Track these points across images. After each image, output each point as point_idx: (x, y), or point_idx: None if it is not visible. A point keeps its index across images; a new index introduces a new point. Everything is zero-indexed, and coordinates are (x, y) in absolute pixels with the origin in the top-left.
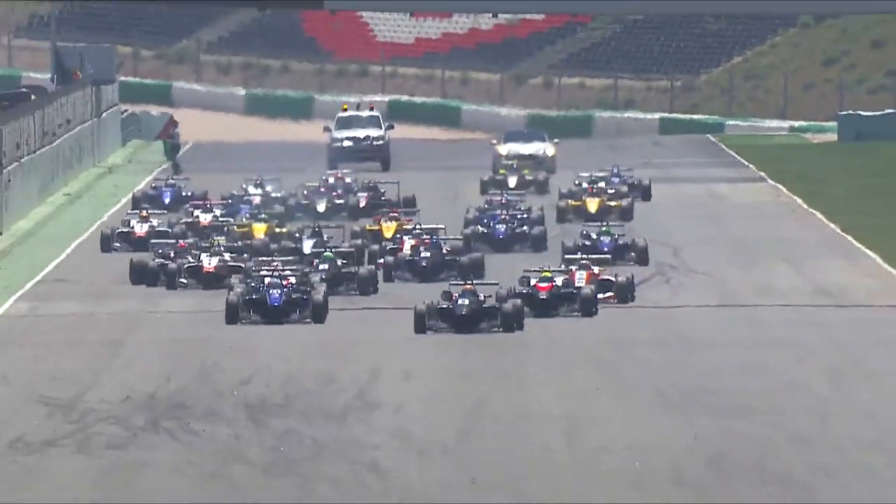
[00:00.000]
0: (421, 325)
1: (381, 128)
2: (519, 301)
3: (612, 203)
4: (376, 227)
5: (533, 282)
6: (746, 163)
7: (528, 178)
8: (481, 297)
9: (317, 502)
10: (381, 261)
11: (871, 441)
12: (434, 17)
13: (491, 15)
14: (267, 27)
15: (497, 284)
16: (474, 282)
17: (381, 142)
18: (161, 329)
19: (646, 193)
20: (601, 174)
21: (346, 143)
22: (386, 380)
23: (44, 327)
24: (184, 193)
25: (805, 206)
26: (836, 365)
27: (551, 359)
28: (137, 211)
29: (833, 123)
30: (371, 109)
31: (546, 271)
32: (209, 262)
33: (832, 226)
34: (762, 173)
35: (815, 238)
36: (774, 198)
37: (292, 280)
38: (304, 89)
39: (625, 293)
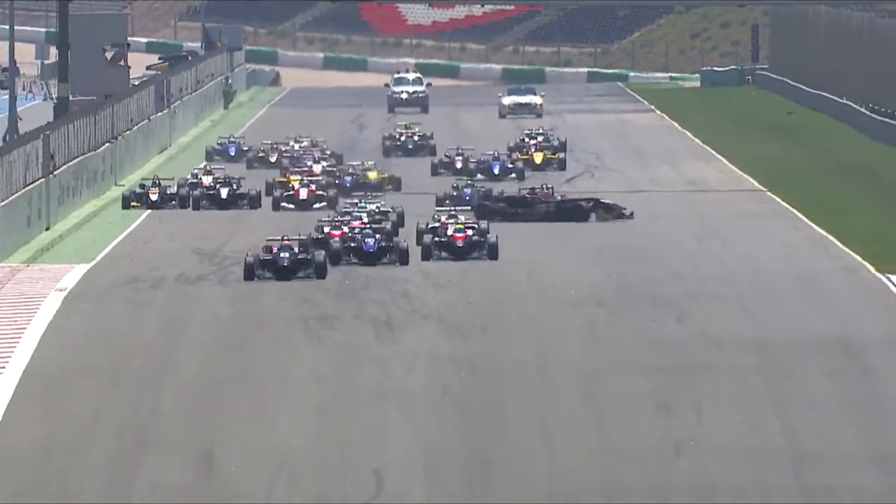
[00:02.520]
0: (250, 273)
1: (422, 85)
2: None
3: (552, 156)
4: (284, 179)
5: (450, 232)
6: (642, 100)
7: (419, 135)
8: (296, 250)
9: None
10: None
11: (722, 277)
12: (444, 8)
13: (481, 5)
14: (337, 14)
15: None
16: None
17: (423, 94)
18: (271, 209)
19: (563, 147)
20: (536, 130)
21: (404, 96)
22: (413, 244)
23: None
24: (243, 148)
25: (679, 127)
26: (700, 229)
27: (518, 229)
28: (203, 165)
29: (697, 75)
30: (415, 72)
31: (459, 224)
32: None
33: (696, 140)
34: (652, 107)
35: (685, 147)
36: (660, 122)
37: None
38: (361, 54)
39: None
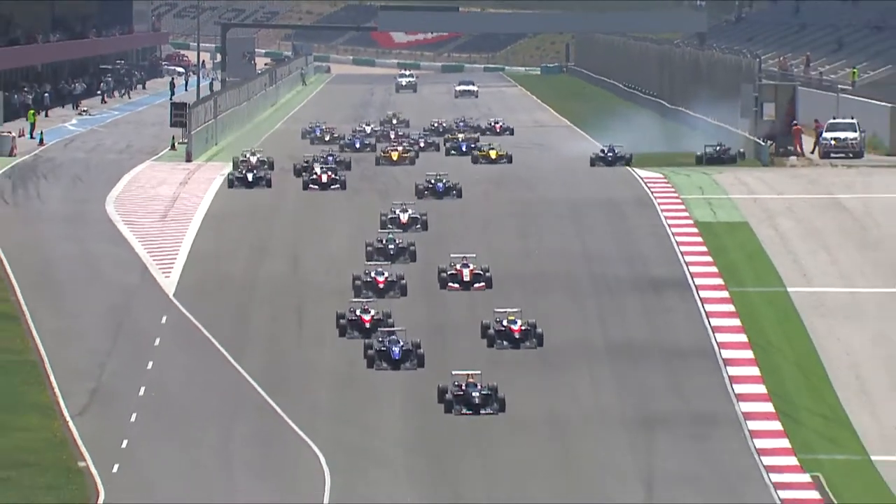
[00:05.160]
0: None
1: (414, 77)
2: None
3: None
4: (387, 154)
5: (505, 323)
6: (513, 82)
7: (399, 119)
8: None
9: None
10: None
11: (550, 168)
12: (412, 34)
13: (431, 33)
14: (359, 37)
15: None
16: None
17: (414, 82)
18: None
19: (512, 132)
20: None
21: (404, 82)
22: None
23: (284, 131)
24: (324, 129)
25: (530, 94)
26: (540, 145)
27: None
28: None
29: (538, 68)
30: (409, 70)
31: (511, 315)
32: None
33: (538, 100)
34: (517, 84)
35: (533, 104)
36: (521, 92)
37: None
38: (370, 57)
39: (490, 281)
